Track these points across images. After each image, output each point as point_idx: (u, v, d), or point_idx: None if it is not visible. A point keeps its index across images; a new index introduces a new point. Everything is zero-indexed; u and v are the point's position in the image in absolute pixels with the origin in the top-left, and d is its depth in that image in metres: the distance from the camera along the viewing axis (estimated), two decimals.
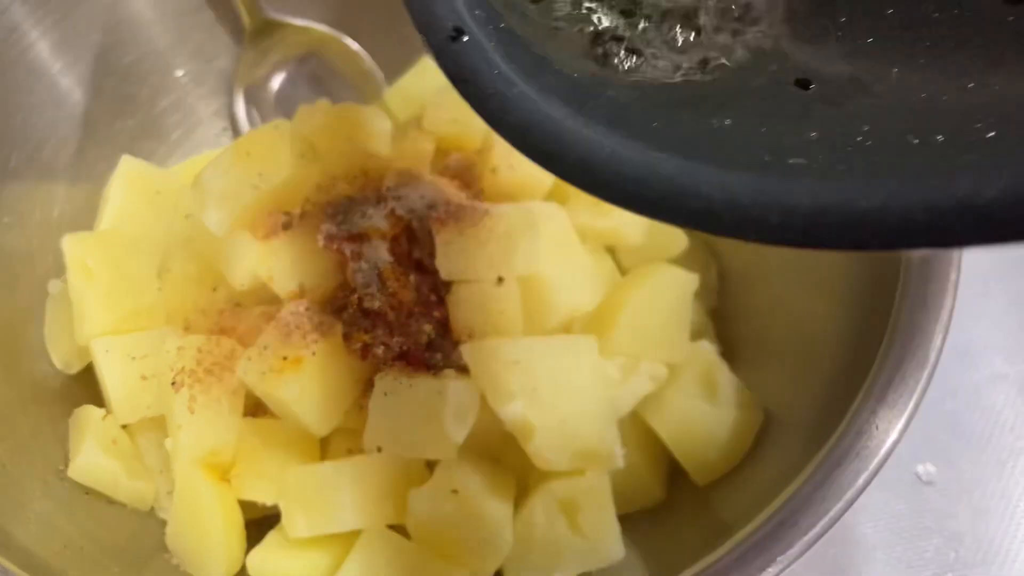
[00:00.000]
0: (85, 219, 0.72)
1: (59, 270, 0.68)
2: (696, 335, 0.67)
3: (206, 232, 0.62)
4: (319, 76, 0.84)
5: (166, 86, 0.79)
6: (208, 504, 0.59)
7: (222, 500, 0.60)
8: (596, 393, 0.59)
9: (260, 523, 0.62)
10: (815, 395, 0.58)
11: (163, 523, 0.63)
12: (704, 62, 0.35)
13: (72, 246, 0.66)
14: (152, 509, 0.65)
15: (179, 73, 0.79)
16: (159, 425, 0.64)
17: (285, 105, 0.83)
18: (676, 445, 0.62)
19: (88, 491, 0.63)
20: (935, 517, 0.72)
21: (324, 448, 0.63)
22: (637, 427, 0.63)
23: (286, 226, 0.64)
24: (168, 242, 0.69)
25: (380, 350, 0.60)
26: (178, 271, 0.67)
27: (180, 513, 0.60)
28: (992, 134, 0.27)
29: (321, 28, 0.81)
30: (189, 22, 0.77)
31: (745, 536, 0.47)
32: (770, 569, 0.46)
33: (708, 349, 0.66)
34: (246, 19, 0.79)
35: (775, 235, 0.26)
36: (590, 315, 0.65)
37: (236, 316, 0.65)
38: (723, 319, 0.71)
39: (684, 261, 0.69)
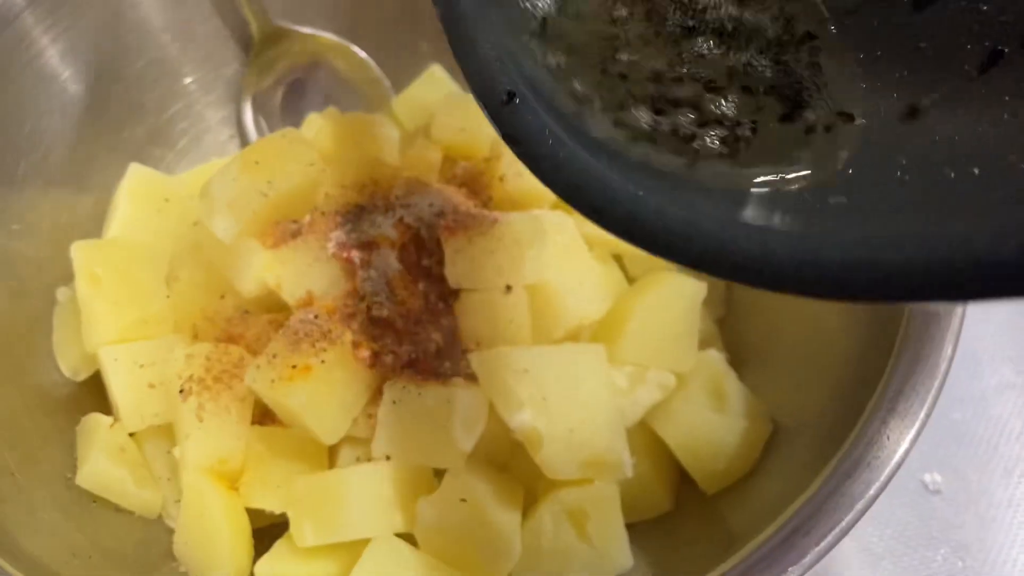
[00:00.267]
0: (93, 226, 0.72)
1: (67, 277, 0.68)
2: (704, 344, 0.67)
3: (214, 240, 0.62)
4: (326, 84, 0.84)
5: (174, 94, 0.79)
6: (216, 512, 0.59)
7: (230, 508, 0.60)
8: (605, 402, 0.59)
9: (268, 531, 0.61)
10: (824, 404, 0.58)
11: (170, 531, 0.63)
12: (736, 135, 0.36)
13: (80, 253, 0.66)
14: (160, 517, 0.65)
15: (187, 81, 0.79)
16: (167, 433, 0.64)
17: (292, 113, 0.83)
18: (684, 454, 0.62)
19: (96, 499, 0.63)
20: (942, 526, 0.72)
21: (332, 456, 0.62)
22: (645, 436, 0.63)
23: (295, 234, 0.64)
24: (176, 249, 0.69)
25: (389, 358, 0.60)
26: (186, 279, 0.67)
27: (188, 521, 0.60)
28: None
29: (328, 36, 0.82)
30: (198, 30, 0.78)
31: (757, 545, 0.47)
32: None
33: (716, 358, 0.66)
34: (254, 27, 0.79)
35: (810, 289, 0.28)
36: (598, 323, 0.65)
37: (244, 324, 0.65)
38: (731, 328, 0.71)
39: (692, 270, 0.69)
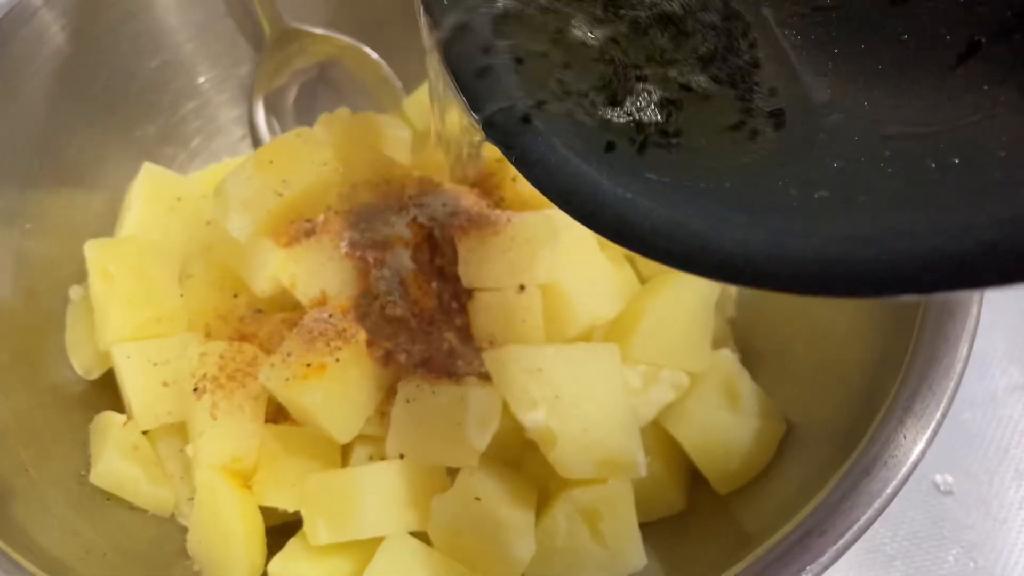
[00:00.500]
0: (106, 225, 0.73)
1: (80, 276, 0.69)
2: (717, 344, 0.67)
3: (227, 238, 0.62)
4: (338, 85, 0.84)
5: (188, 93, 0.79)
6: (229, 511, 0.59)
7: (243, 507, 0.60)
8: (618, 401, 0.59)
9: (281, 530, 0.61)
10: (838, 404, 0.58)
11: (184, 529, 0.63)
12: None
13: (94, 252, 0.66)
14: (173, 515, 0.65)
15: (201, 80, 0.79)
16: (180, 431, 0.64)
17: (304, 113, 0.84)
18: (698, 454, 0.62)
19: (109, 497, 0.63)
20: (953, 527, 0.72)
21: (346, 455, 0.63)
22: (659, 435, 0.63)
23: (309, 233, 0.64)
24: (189, 248, 0.69)
25: (402, 357, 0.61)
26: (199, 277, 0.67)
27: (201, 519, 0.60)
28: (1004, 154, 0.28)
29: (340, 37, 0.82)
30: (211, 30, 0.78)
31: (773, 544, 0.47)
32: None
33: (730, 358, 0.66)
34: (266, 28, 0.79)
35: (787, 286, 0.28)
36: (611, 323, 0.65)
37: (257, 322, 0.65)
38: (743, 328, 0.71)
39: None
